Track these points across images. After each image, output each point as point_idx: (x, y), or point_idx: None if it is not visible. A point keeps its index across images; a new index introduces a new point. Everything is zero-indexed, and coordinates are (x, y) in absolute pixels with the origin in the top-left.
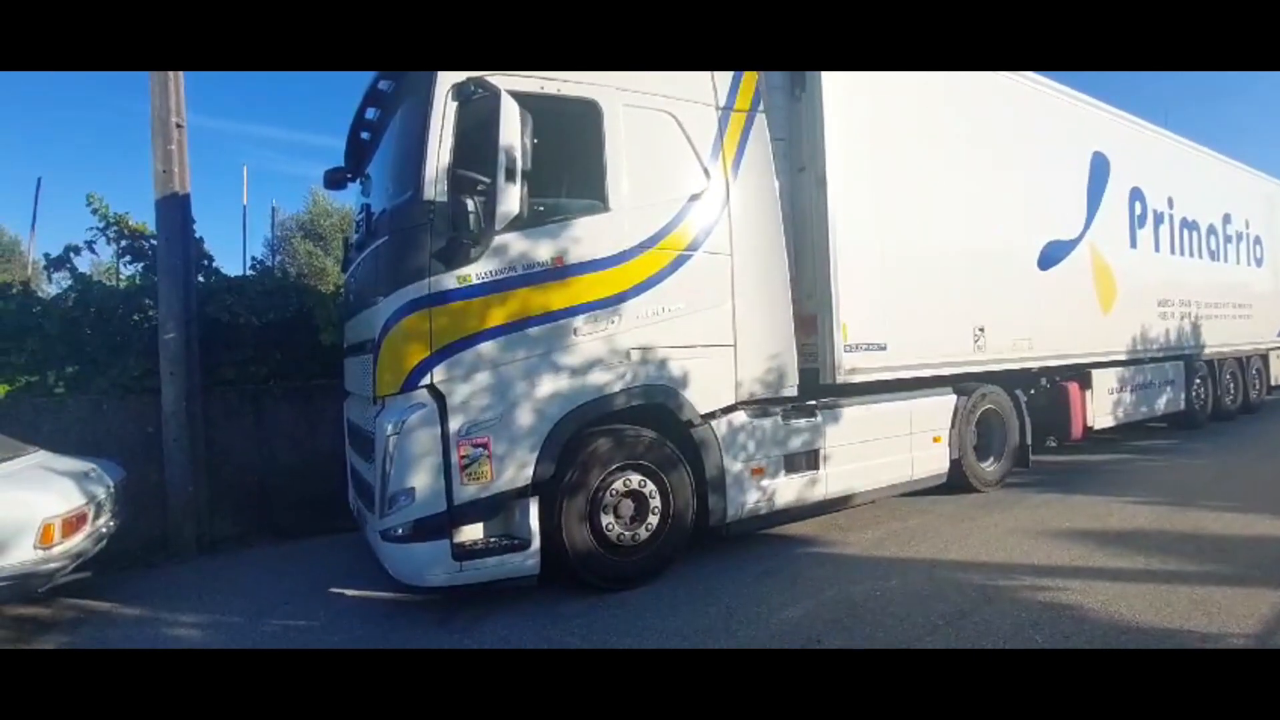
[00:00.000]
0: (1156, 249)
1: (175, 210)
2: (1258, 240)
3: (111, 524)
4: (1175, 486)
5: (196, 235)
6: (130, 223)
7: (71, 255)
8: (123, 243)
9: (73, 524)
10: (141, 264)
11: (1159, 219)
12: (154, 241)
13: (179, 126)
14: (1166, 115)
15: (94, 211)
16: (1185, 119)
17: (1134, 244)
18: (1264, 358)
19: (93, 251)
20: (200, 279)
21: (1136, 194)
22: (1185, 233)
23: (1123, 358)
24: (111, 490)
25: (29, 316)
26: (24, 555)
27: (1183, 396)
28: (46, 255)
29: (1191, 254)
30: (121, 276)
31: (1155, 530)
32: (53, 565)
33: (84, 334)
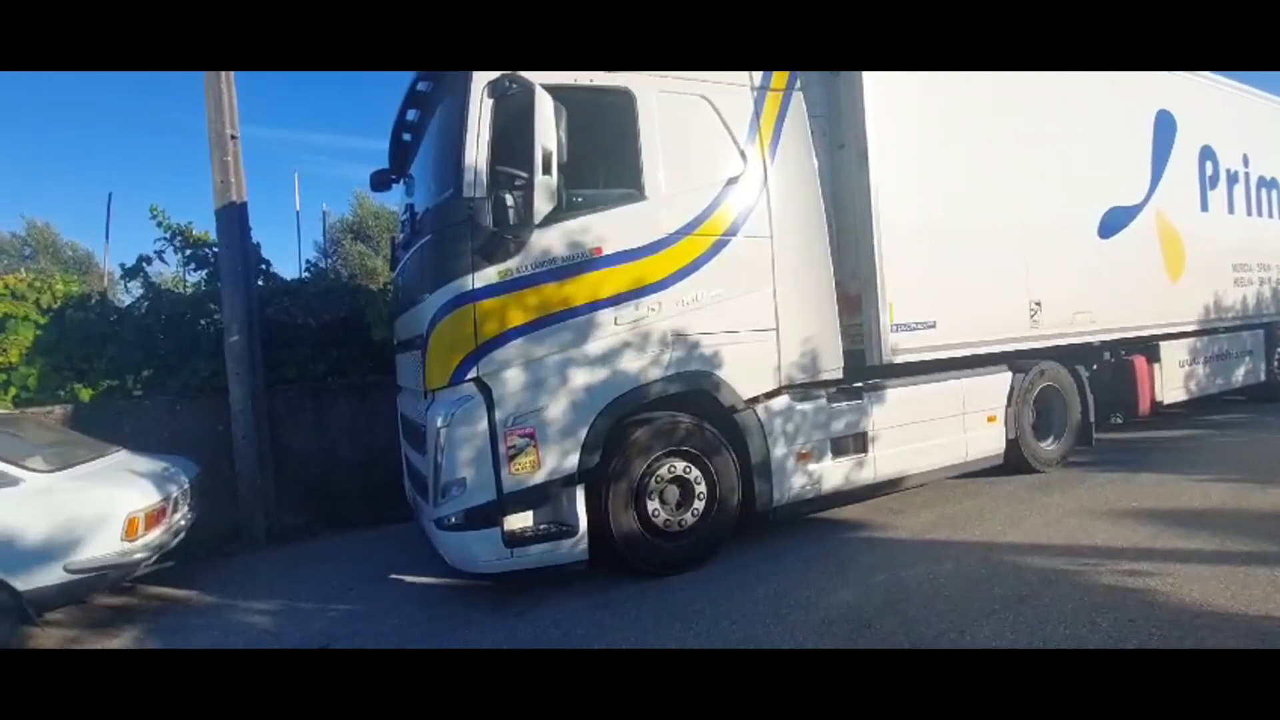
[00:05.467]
0: (1230, 211)
1: (234, 218)
2: None
3: (189, 517)
4: (1255, 464)
5: (254, 241)
6: (194, 232)
7: (144, 265)
8: (187, 251)
9: (154, 518)
10: (204, 271)
11: (1233, 179)
12: (216, 249)
13: (233, 138)
14: None
15: (159, 224)
16: None
17: (1205, 207)
18: None
19: (162, 261)
20: (259, 283)
21: (1207, 153)
22: (1262, 192)
23: (1194, 328)
24: (187, 486)
25: (107, 325)
26: (110, 547)
27: (1262, 367)
28: (122, 266)
29: (1270, 214)
30: (187, 284)
31: (1232, 509)
32: (136, 557)
33: (157, 339)
